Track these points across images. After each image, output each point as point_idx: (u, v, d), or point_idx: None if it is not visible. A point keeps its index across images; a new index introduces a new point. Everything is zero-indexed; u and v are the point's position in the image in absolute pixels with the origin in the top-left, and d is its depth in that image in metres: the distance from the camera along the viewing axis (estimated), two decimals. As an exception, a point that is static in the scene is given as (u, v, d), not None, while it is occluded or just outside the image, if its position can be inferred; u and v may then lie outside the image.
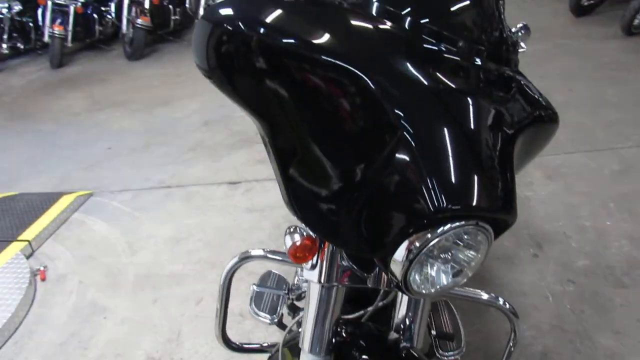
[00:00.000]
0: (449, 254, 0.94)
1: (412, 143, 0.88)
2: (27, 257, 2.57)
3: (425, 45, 0.98)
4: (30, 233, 2.71)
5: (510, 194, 0.92)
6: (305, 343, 1.08)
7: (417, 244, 0.85)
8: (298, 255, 1.03)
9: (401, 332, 1.18)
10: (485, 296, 1.32)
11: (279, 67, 0.87)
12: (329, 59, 0.87)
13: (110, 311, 2.21)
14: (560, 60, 4.63)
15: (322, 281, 1.05)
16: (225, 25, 0.85)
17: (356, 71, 0.87)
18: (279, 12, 0.89)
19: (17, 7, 6.15)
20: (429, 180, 0.85)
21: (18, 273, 2.41)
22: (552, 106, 1.26)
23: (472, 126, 0.95)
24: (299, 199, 0.95)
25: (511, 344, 1.36)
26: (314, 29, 0.89)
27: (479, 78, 1.04)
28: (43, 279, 2.45)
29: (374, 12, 0.97)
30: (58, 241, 2.74)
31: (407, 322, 1.18)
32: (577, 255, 2.22)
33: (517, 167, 1.29)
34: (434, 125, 0.92)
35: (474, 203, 0.86)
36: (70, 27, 6.09)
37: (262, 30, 0.85)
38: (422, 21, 0.98)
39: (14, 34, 6.41)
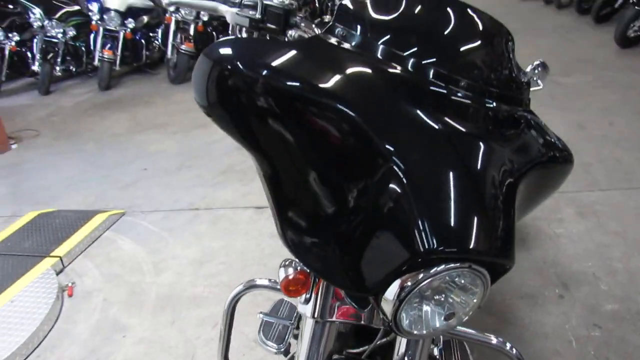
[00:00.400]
0: (443, 295, 0.93)
1: (406, 181, 0.87)
2: (58, 273, 2.67)
3: (428, 87, 0.98)
4: (62, 249, 2.82)
5: (508, 237, 0.91)
6: (296, 380, 1.07)
7: (409, 284, 0.84)
8: (291, 289, 1.04)
9: None
10: (493, 340, 1.28)
11: (278, 108, 0.89)
12: (328, 102, 0.88)
13: (130, 330, 2.26)
14: (601, 92, 4.50)
15: (316, 316, 1.05)
16: (225, 63, 0.88)
17: (354, 114, 0.88)
18: (279, 53, 0.91)
19: (71, 33, 6.50)
20: (422, 220, 0.85)
21: (47, 288, 2.50)
22: (565, 146, 1.23)
23: (472, 166, 0.94)
24: (292, 233, 0.96)
25: None
26: (311, 71, 0.90)
27: (484, 118, 1.04)
28: (70, 295, 2.53)
29: (378, 55, 0.98)
30: (88, 258, 2.83)
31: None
32: (605, 298, 2.12)
33: (526, 208, 1.26)
34: (432, 165, 0.91)
35: (469, 246, 0.85)
36: (119, 51, 6.40)
37: (263, 71, 0.87)
38: (427, 62, 0.99)
39: (68, 58, 6.76)
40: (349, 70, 0.93)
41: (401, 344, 1.17)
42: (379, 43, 0.98)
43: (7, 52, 6.32)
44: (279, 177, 0.95)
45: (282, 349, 1.58)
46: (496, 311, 2.14)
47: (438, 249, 0.83)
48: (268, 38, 1.11)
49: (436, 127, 0.95)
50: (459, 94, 1.01)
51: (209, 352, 2.08)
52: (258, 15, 1.05)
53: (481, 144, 0.99)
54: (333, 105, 0.88)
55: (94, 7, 6.32)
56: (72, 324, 2.34)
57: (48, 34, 6.38)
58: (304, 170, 0.93)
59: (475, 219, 0.89)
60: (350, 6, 1.02)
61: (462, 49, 1.04)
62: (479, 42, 1.07)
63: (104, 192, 3.64)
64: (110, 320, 2.34)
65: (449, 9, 1.05)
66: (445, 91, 1.00)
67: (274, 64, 0.89)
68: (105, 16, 6.34)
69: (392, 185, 0.88)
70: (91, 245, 2.94)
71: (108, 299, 2.48)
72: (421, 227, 0.84)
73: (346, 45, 0.98)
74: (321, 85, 0.89)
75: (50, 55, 6.46)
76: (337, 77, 0.91)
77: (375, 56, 0.97)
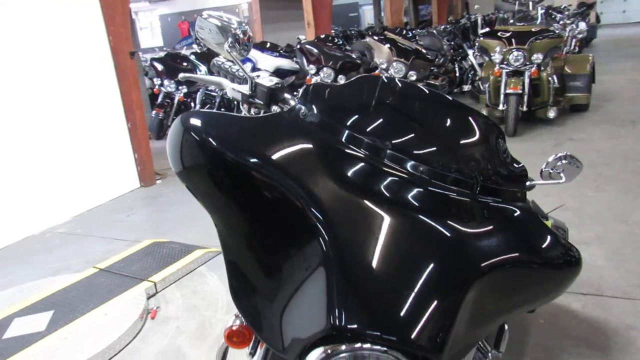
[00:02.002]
0: None
1: (332, 255, 0.93)
2: (149, 297, 3.02)
3: (381, 168, 1.03)
4: (159, 276, 3.19)
5: (438, 331, 0.89)
6: None
7: (323, 355, 0.88)
8: (234, 340, 1.12)
9: None
10: None
11: (229, 176, 1.02)
12: (269, 174, 0.99)
13: (188, 359, 2.46)
14: None
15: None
16: (192, 133, 1.04)
17: (291, 186, 0.97)
18: (239, 127, 1.05)
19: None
20: (343, 296, 0.89)
21: (136, 308, 2.84)
22: (570, 248, 1.16)
23: (410, 253, 0.96)
24: (238, 290, 1.06)
25: None
26: (259, 146, 1.02)
27: (439, 205, 1.05)
28: (153, 318, 2.85)
29: (331, 134, 1.06)
30: (178, 288, 3.16)
31: None
32: None
33: (517, 307, 1.18)
34: (364, 244, 0.95)
35: (384, 330, 0.87)
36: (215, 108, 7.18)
37: (219, 143, 1.02)
38: (382, 145, 1.04)
39: (222, 109, 7.72)
40: (297, 146, 1.03)
41: None
42: (334, 123, 1.06)
43: (176, 101, 7.42)
44: (230, 238, 1.06)
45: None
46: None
47: (350, 326, 0.86)
48: (248, 111, 1.25)
49: (379, 208, 0.99)
50: (414, 178, 1.03)
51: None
52: (249, 92, 1.20)
53: (426, 232, 0.99)
54: (274, 177, 0.99)
55: (247, 67, 7.17)
56: (145, 344, 2.63)
57: (209, 88, 7.36)
58: (247, 234, 1.04)
59: (400, 305, 0.90)
60: (315, 89, 1.12)
61: (420, 135, 1.08)
62: (439, 128, 1.09)
63: (211, 231, 4.02)
64: (175, 347, 2.57)
65: (406, 96, 1.10)
66: (399, 174, 1.03)
67: (231, 137, 1.03)
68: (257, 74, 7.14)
69: (318, 258, 0.94)
70: (184, 277, 3.28)
71: (180, 327, 2.74)
72: (340, 303, 0.88)
73: (306, 122, 1.08)
74: (264, 159, 1.00)
75: (208, 106, 7.42)
76: (282, 152, 1.01)
77: (329, 135, 1.06)
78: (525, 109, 5.82)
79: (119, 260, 3.47)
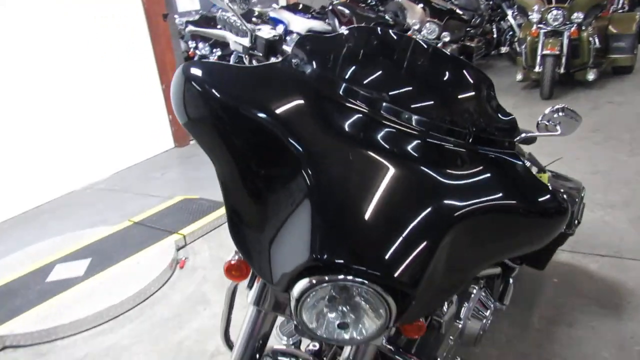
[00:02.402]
0: (347, 307, 1.01)
1: (316, 193, 1.00)
2: (179, 248, 3.20)
3: (371, 116, 1.09)
4: (188, 229, 3.36)
5: (415, 265, 0.95)
6: (235, 353, 1.24)
7: (307, 285, 0.95)
8: (233, 274, 1.22)
9: None
10: None
11: (226, 122, 1.10)
12: (262, 117, 1.06)
13: (210, 305, 2.63)
14: None
15: (253, 302, 1.21)
16: (192, 82, 1.12)
17: (281, 128, 1.05)
18: (236, 76, 1.13)
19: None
20: (325, 229, 0.96)
21: (166, 258, 3.02)
22: (556, 197, 1.18)
23: (392, 191, 1.02)
24: (235, 228, 1.15)
25: None
26: (253, 92, 1.10)
27: (422, 150, 1.10)
28: (181, 267, 3.03)
29: (321, 82, 1.12)
30: (206, 241, 3.33)
31: None
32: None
33: (500, 253, 1.22)
34: (347, 181, 1.02)
35: (362, 261, 0.94)
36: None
37: (218, 91, 1.09)
38: (378, 95, 1.10)
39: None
40: (287, 95, 1.10)
41: (346, 350, 1.25)
42: (327, 73, 1.12)
43: (211, 64, 7.53)
44: (229, 181, 1.14)
45: (292, 343, 1.73)
46: None
47: (330, 259, 0.94)
48: (249, 62, 1.32)
49: (367, 153, 1.05)
50: (405, 127, 1.09)
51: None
52: (249, 44, 1.27)
53: (409, 172, 1.05)
54: (266, 120, 1.06)
55: (280, 29, 7.17)
56: (173, 290, 2.82)
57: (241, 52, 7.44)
58: (244, 177, 1.12)
59: (380, 241, 0.97)
60: (309, 40, 1.17)
61: (413, 85, 1.12)
62: (431, 79, 1.13)
63: (240, 189, 4.16)
64: (200, 294, 2.75)
65: (400, 48, 1.14)
66: (390, 124, 1.09)
67: (227, 85, 1.10)
68: (288, 38, 7.14)
69: (304, 195, 1.01)
70: (212, 231, 3.44)
71: (206, 276, 2.91)
72: (322, 237, 0.96)
73: (299, 72, 1.15)
74: (255, 105, 1.07)
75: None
76: (274, 99, 1.08)
77: (323, 86, 1.12)
78: (562, 71, 5.64)
79: (152, 214, 3.66)
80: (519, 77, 6.22)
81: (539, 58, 5.63)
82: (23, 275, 2.98)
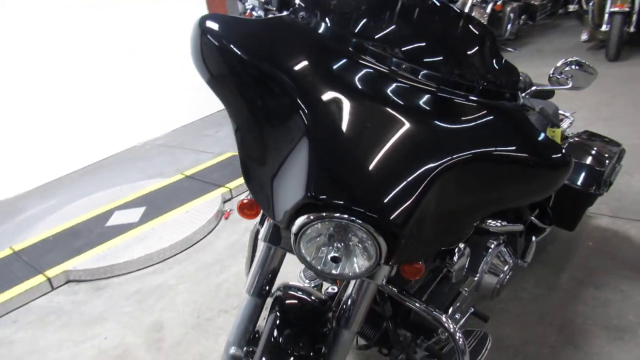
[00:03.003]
0: (342, 243, 1.10)
1: (313, 135, 1.07)
2: (225, 201, 3.40)
3: (364, 63, 1.14)
4: (235, 183, 3.54)
5: (403, 205, 1.01)
6: (247, 284, 1.37)
7: (304, 221, 1.04)
8: (246, 212, 1.33)
9: (339, 312, 1.33)
10: (433, 312, 1.35)
11: (239, 69, 1.19)
12: (269, 68, 1.15)
13: (250, 253, 2.80)
14: None
15: (263, 239, 1.32)
16: (208, 35, 1.21)
17: (286, 78, 1.13)
18: (248, 29, 1.21)
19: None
20: (320, 169, 1.04)
21: (213, 209, 3.22)
22: (559, 150, 1.19)
23: (385, 134, 1.07)
24: (247, 170, 1.26)
25: None
26: (262, 45, 1.18)
27: (418, 98, 1.14)
28: (226, 218, 3.22)
29: (329, 34, 1.18)
30: (251, 195, 3.50)
31: (348, 304, 1.31)
32: None
33: (489, 203, 1.25)
34: (343, 124, 1.08)
35: (353, 200, 1.01)
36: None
37: (232, 43, 1.18)
38: (369, 43, 1.15)
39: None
40: (298, 47, 1.17)
41: (348, 289, 1.33)
42: (331, 25, 1.18)
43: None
44: (241, 129, 1.24)
45: (313, 285, 1.85)
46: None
47: (322, 196, 1.02)
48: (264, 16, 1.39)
49: (366, 98, 1.12)
50: (396, 73, 1.14)
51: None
52: None
53: (406, 120, 1.10)
54: (271, 70, 1.15)
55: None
56: (217, 239, 3.02)
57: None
58: (253, 121, 1.21)
59: (373, 182, 1.03)
60: None
61: (410, 34, 1.16)
62: (428, 30, 1.16)
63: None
64: (241, 243, 2.93)
65: (406, 2, 1.17)
66: (383, 69, 1.14)
67: (241, 37, 1.19)
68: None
69: (305, 138, 1.09)
70: (257, 186, 3.60)
71: (248, 227, 3.08)
72: (317, 176, 1.03)
73: (309, 27, 1.21)
74: (266, 55, 1.15)
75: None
76: (284, 51, 1.16)
77: (326, 36, 1.18)
78: (632, 30, 5.27)
79: (202, 169, 3.88)
80: (584, 37, 5.88)
81: (606, 16, 5.28)
82: (86, 220, 3.28)
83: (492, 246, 1.80)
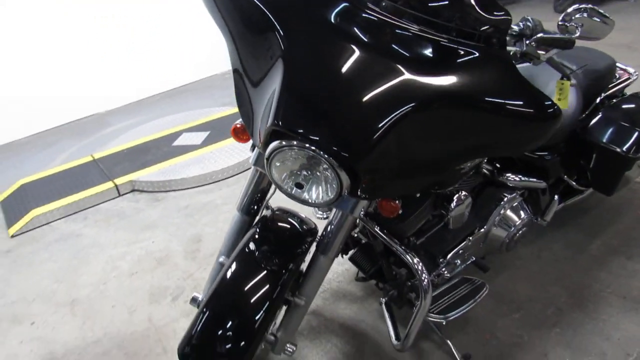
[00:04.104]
0: (309, 172, 1.17)
1: (287, 67, 1.13)
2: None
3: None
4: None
5: (362, 140, 1.06)
6: (237, 202, 1.50)
7: (274, 147, 1.13)
8: (239, 136, 1.44)
9: (319, 239, 1.42)
10: (407, 256, 1.40)
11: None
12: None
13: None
14: None
15: (253, 163, 1.43)
16: None
17: (269, 14, 1.18)
18: None
19: None
20: (289, 100, 1.11)
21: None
22: (543, 101, 1.17)
23: (356, 72, 1.11)
24: (238, 97, 1.35)
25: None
26: None
27: (394, 37, 1.15)
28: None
29: None
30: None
31: (327, 233, 1.39)
32: None
33: (467, 148, 1.24)
34: (315, 57, 1.13)
35: (313, 131, 1.07)
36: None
37: None
38: None
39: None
40: None
41: (333, 217, 1.41)
42: None
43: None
44: (235, 59, 1.33)
45: (323, 217, 1.95)
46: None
47: (287, 125, 1.08)
48: None
49: (336, 32, 1.15)
50: (374, 10, 1.15)
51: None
52: None
53: (374, 56, 1.11)
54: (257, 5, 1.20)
55: None
56: (267, 167, 3.18)
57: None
58: (241, 48, 1.29)
59: (334, 114, 1.08)
60: None
61: None
62: None
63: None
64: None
65: None
66: (373, 14, 1.16)
67: None
68: None
69: (281, 69, 1.15)
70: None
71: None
72: (285, 105, 1.10)
73: None
74: None
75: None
76: None
77: None
78: None
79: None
80: None
81: None
82: (157, 138, 3.60)
83: (505, 199, 1.78)
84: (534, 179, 1.84)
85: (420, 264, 1.41)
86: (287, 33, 1.16)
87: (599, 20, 1.23)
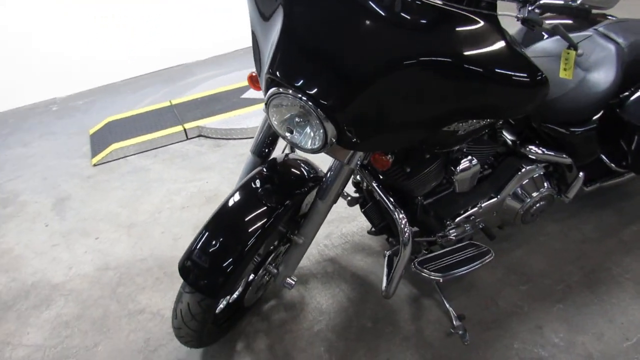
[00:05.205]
0: (301, 119, 1.29)
1: (286, 24, 1.25)
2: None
3: None
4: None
5: (342, 94, 1.16)
6: (252, 144, 1.66)
7: (271, 92, 1.26)
8: (255, 84, 1.57)
9: (320, 185, 1.54)
10: (388, 203, 1.49)
11: None
12: None
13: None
14: None
15: (264, 108, 1.56)
16: None
17: None
18: None
19: None
20: (284, 53, 1.23)
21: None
22: (533, 69, 1.19)
23: (345, 31, 1.19)
24: (253, 45, 1.48)
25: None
26: None
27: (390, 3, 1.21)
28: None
29: None
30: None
31: (326, 180, 1.50)
32: None
33: (454, 110, 1.30)
34: (312, 17, 1.23)
35: (301, 83, 1.18)
36: None
37: None
38: None
39: None
40: None
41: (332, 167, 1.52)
42: None
43: None
44: (251, 9, 1.45)
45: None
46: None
47: (278, 74, 1.21)
48: None
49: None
50: None
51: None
52: None
53: (363, 15, 1.18)
54: None
55: None
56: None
57: None
58: (255, 7, 1.41)
59: (321, 67, 1.18)
60: None
61: None
62: None
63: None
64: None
65: None
66: None
67: None
68: None
69: (281, 24, 1.27)
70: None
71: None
72: (279, 59, 1.23)
73: None
74: None
75: None
76: None
77: None
78: None
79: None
80: None
81: None
82: (229, 90, 3.85)
83: (522, 170, 1.78)
84: (559, 154, 1.81)
85: (405, 219, 1.49)
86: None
87: None
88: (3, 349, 1.89)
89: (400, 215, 1.49)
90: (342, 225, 2.35)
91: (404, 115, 1.25)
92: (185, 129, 3.34)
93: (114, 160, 3.21)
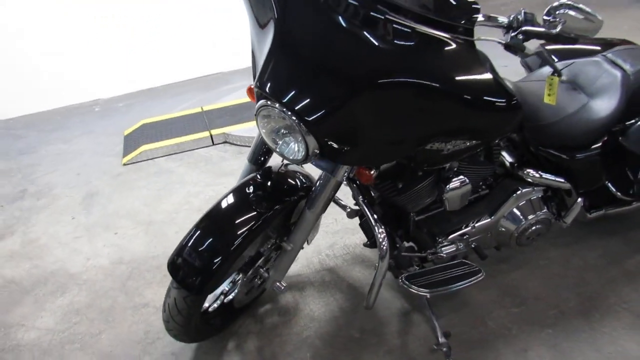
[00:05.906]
0: (286, 131, 1.37)
1: (276, 41, 1.33)
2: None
3: None
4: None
5: (320, 108, 1.23)
6: (249, 153, 1.75)
7: (260, 105, 1.35)
8: (253, 96, 1.65)
9: (308, 196, 1.60)
10: (371, 218, 1.54)
11: None
12: None
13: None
14: None
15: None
16: None
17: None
18: None
19: None
20: (272, 69, 1.31)
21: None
22: (507, 94, 1.23)
23: (326, 49, 1.26)
24: (252, 57, 1.56)
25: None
26: None
27: (369, 23, 1.27)
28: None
29: None
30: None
31: (314, 190, 1.57)
32: None
33: (421, 132, 1.35)
34: (300, 37, 1.30)
35: (284, 98, 1.26)
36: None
37: None
38: None
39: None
40: None
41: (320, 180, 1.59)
42: None
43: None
44: (250, 27, 1.54)
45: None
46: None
47: (265, 89, 1.29)
48: None
49: (318, 13, 1.29)
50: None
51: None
52: None
53: (342, 36, 1.24)
54: None
55: None
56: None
57: None
58: (253, 21, 1.49)
59: (304, 84, 1.26)
60: None
61: None
62: None
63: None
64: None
65: None
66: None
67: None
68: None
69: (272, 41, 1.35)
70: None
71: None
72: (267, 74, 1.31)
73: None
74: None
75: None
76: None
77: None
78: None
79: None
80: None
81: None
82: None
83: (518, 193, 1.79)
84: (557, 178, 1.81)
85: (384, 233, 1.54)
86: (281, 5, 1.32)
87: (582, 17, 1.21)
88: (17, 330, 2.05)
89: (380, 230, 1.54)
90: (347, 236, 2.40)
91: (382, 134, 1.30)
92: (211, 135, 3.48)
93: (143, 160, 3.38)
